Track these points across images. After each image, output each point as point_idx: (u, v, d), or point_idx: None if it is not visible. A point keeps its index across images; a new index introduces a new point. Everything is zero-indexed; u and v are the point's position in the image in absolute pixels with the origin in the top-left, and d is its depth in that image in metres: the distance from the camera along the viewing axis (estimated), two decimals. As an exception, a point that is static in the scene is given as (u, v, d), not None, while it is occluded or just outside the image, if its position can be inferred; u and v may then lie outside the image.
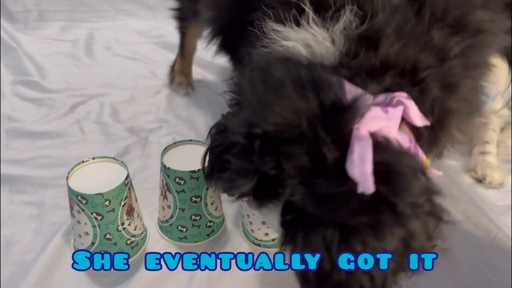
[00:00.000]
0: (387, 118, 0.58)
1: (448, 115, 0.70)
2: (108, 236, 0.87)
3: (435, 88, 0.67)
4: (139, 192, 1.02)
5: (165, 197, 0.92)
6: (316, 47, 0.67)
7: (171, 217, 0.94)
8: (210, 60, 1.51)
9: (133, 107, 1.39)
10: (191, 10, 1.28)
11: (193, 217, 0.93)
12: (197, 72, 1.57)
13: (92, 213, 0.83)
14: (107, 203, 0.83)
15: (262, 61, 0.67)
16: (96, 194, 0.81)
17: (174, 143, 0.95)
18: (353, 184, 0.52)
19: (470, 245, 0.97)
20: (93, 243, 0.87)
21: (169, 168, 0.87)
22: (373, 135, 0.55)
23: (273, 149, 0.57)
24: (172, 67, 1.51)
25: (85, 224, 0.85)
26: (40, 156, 1.18)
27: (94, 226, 0.85)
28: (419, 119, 0.63)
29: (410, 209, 0.53)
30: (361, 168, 0.52)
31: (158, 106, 1.40)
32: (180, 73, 1.50)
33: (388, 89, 0.63)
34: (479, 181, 1.15)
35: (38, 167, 1.14)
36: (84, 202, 0.82)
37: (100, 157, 0.90)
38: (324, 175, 0.54)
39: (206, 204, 0.93)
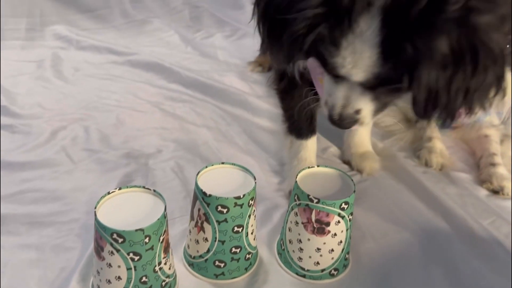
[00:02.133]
0: None
1: None
2: (144, 279, 0.74)
3: None
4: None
5: (201, 229, 0.81)
6: None
7: (208, 251, 0.82)
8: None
9: (122, 131, 1.26)
10: None
11: (233, 250, 0.82)
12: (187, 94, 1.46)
13: (129, 253, 0.71)
14: (147, 239, 0.71)
15: None
16: (137, 230, 0.69)
17: (206, 167, 0.85)
18: None
19: (504, 255, 0.95)
20: (124, 289, 0.74)
21: (210, 196, 0.77)
22: None
23: None
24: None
25: (118, 267, 0.72)
26: (28, 189, 1.01)
27: (129, 269, 0.72)
28: None
29: None
30: None
31: (150, 129, 1.28)
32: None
33: None
34: (495, 192, 1.14)
35: (28, 203, 0.98)
36: (120, 240, 0.69)
37: (128, 186, 0.78)
38: None
39: (247, 233, 0.83)
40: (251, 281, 0.86)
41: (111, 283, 0.74)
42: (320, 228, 0.81)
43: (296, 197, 0.83)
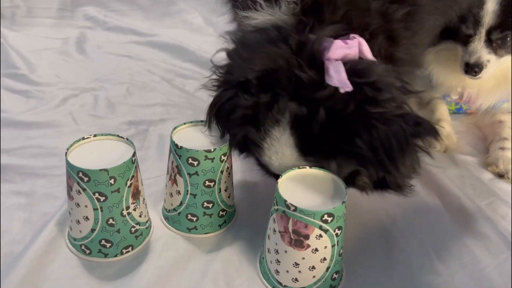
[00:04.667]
0: (348, 48, 0.73)
1: (393, 61, 0.81)
2: (111, 221, 0.77)
3: (381, 37, 0.79)
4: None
5: (174, 182, 0.83)
6: (275, 19, 0.79)
7: (180, 204, 0.84)
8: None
9: (130, 101, 1.30)
10: None
11: (205, 204, 0.84)
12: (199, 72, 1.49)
13: (94, 193, 0.74)
14: (112, 181, 0.73)
15: (239, 35, 0.83)
16: (101, 170, 0.72)
17: (185, 123, 0.87)
18: (331, 90, 0.69)
19: (503, 237, 0.90)
20: (93, 230, 0.77)
21: (181, 147, 0.79)
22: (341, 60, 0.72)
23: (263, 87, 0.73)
24: None
25: (86, 206, 0.75)
26: (30, 145, 1.08)
27: (95, 209, 0.75)
28: (369, 54, 0.75)
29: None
30: (338, 76, 0.68)
31: (157, 100, 1.31)
32: None
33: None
34: (500, 175, 1.09)
35: (28, 157, 1.04)
36: (86, 179, 0.72)
37: (102, 134, 0.81)
38: (305, 89, 0.71)
39: (220, 189, 0.84)
40: (225, 238, 0.87)
41: (80, 223, 0.78)
42: (298, 241, 0.70)
43: (275, 201, 0.73)
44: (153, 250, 0.83)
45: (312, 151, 0.74)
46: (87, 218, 0.76)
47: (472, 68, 1.10)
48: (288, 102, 0.72)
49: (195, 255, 0.83)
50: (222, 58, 0.81)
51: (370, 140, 0.69)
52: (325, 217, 0.68)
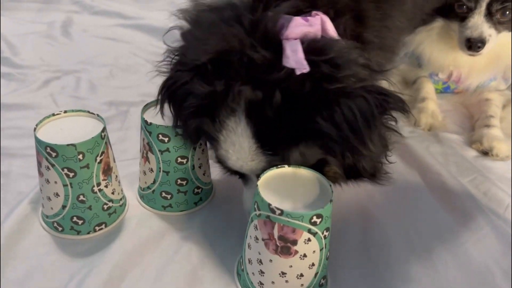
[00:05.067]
0: (309, 25, 0.68)
1: (361, 43, 0.75)
2: (81, 197, 0.76)
3: (347, 16, 0.74)
4: (118, 163, 0.92)
5: (146, 159, 0.82)
6: None
7: (154, 182, 0.83)
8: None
9: (112, 83, 1.29)
10: None
11: (179, 182, 0.83)
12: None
13: (63, 169, 0.73)
14: (80, 156, 0.72)
15: (193, 14, 0.77)
16: (68, 145, 0.71)
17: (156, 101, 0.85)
18: (287, 70, 0.64)
19: (482, 213, 0.89)
20: (64, 207, 0.77)
21: (151, 124, 0.78)
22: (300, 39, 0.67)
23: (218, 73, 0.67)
24: None
25: (55, 182, 0.75)
26: (9, 127, 1.07)
27: (65, 185, 0.74)
28: (333, 33, 0.70)
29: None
30: (294, 57, 0.64)
31: (140, 82, 1.30)
32: None
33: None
34: (485, 153, 1.07)
35: (7, 137, 1.04)
36: (54, 155, 0.72)
37: (73, 110, 0.80)
38: (259, 71, 0.65)
39: (194, 166, 0.83)
40: (200, 215, 0.86)
41: (51, 200, 0.77)
42: (285, 247, 0.63)
43: (256, 206, 0.65)
44: (126, 228, 0.82)
45: (271, 140, 0.67)
46: (57, 195, 0.76)
47: (475, 44, 1.07)
48: (242, 87, 0.65)
49: (169, 232, 0.82)
50: (175, 38, 0.77)
51: (331, 116, 0.64)
52: (314, 218, 0.61)
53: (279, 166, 0.68)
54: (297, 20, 0.67)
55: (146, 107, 0.83)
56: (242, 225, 0.75)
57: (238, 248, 0.76)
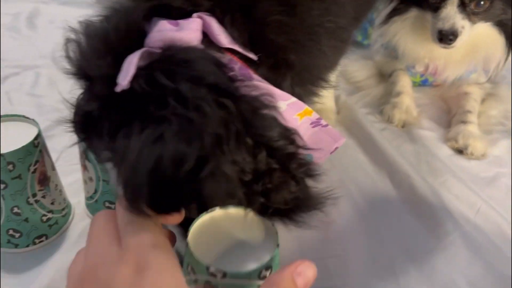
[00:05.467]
0: (178, 30, 0.52)
1: (261, 47, 0.58)
2: (16, 209, 0.71)
3: (238, 14, 0.57)
4: (68, 167, 0.87)
5: (85, 168, 0.77)
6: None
7: (95, 191, 0.78)
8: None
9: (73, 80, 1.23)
10: None
11: None
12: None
13: (-8, 180, 0.68)
14: (10, 167, 0.67)
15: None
16: (-5, 155, 0.66)
17: None
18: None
19: (451, 218, 0.85)
20: (-3, 219, 0.72)
21: None
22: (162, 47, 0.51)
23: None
24: None
25: (-14, 194, 0.69)
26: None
27: (-4, 197, 0.69)
28: (224, 39, 0.54)
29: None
30: (125, 72, 0.48)
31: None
32: None
33: None
34: (460, 151, 1.02)
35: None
36: (-19, 166, 0.66)
37: (6, 115, 0.75)
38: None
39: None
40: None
41: (-17, 212, 0.72)
42: None
43: (188, 268, 0.46)
44: (68, 239, 0.77)
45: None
46: (-11, 207, 0.71)
47: (447, 36, 1.00)
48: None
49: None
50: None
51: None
52: (263, 272, 0.46)
53: (209, 211, 0.48)
54: (162, 25, 0.53)
55: None
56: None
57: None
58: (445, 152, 1.03)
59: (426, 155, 1.01)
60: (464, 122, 1.08)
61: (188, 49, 0.51)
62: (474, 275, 0.75)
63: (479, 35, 1.06)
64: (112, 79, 0.49)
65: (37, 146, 0.70)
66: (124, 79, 0.47)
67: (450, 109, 1.17)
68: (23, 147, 0.68)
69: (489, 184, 0.94)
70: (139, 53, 0.49)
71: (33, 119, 0.74)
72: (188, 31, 0.52)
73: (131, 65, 0.48)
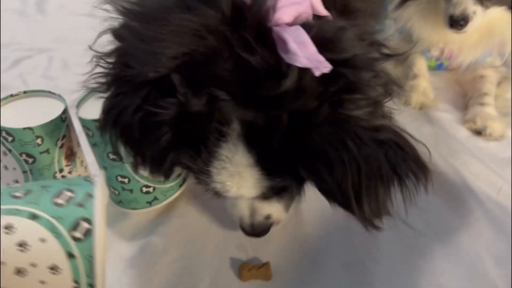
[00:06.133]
0: (298, 3, 0.53)
1: (349, 13, 0.63)
2: (43, 185, 0.70)
3: None
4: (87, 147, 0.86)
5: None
6: None
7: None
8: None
9: (87, 61, 1.22)
10: None
11: (120, 179, 0.74)
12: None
13: (21, 154, 0.67)
14: (39, 140, 0.67)
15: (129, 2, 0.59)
16: (25, 129, 0.65)
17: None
18: (296, 77, 0.48)
19: (474, 196, 0.85)
20: (24, 195, 0.71)
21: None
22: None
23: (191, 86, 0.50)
24: None
25: (14, 169, 0.69)
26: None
27: (24, 172, 0.69)
28: (323, 10, 0.57)
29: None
30: (305, 52, 0.48)
31: (116, 60, 1.23)
32: None
33: None
34: (478, 132, 1.02)
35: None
36: (10, 139, 0.66)
37: (33, 91, 0.74)
38: (257, 81, 0.49)
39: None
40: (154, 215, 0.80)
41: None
42: None
43: None
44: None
45: (276, 166, 0.55)
46: (17, 182, 0.70)
47: (458, 21, 1.00)
48: (234, 107, 0.50)
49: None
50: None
51: (339, 171, 0.51)
52: None
53: None
54: (284, 0, 0.51)
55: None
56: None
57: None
58: (463, 133, 1.03)
59: (445, 137, 1.01)
60: (481, 104, 1.08)
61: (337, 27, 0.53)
62: (499, 251, 0.75)
63: (493, 19, 1.06)
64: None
65: (65, 121, 0.70)
66: (319, 60, 0.47)
67: (466, 92, 1.17)
68: (51, 120, 0.67)
69: (508, 164, 0.94)
70: (302, 30, 0.49)
71: (59, 95, 0.73)
72: (305, 3, 0.53)
73: (307, 44, 0.48)
